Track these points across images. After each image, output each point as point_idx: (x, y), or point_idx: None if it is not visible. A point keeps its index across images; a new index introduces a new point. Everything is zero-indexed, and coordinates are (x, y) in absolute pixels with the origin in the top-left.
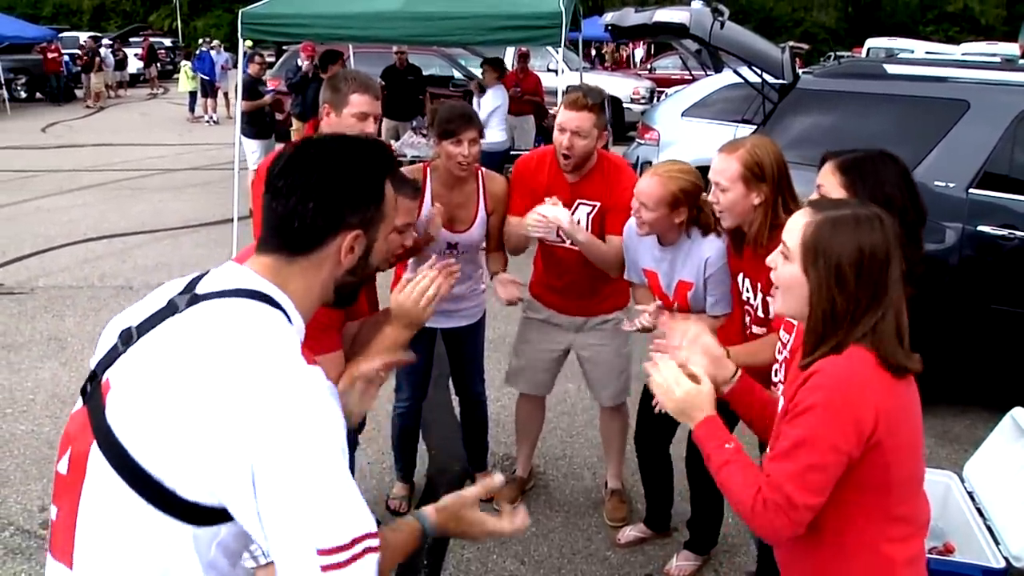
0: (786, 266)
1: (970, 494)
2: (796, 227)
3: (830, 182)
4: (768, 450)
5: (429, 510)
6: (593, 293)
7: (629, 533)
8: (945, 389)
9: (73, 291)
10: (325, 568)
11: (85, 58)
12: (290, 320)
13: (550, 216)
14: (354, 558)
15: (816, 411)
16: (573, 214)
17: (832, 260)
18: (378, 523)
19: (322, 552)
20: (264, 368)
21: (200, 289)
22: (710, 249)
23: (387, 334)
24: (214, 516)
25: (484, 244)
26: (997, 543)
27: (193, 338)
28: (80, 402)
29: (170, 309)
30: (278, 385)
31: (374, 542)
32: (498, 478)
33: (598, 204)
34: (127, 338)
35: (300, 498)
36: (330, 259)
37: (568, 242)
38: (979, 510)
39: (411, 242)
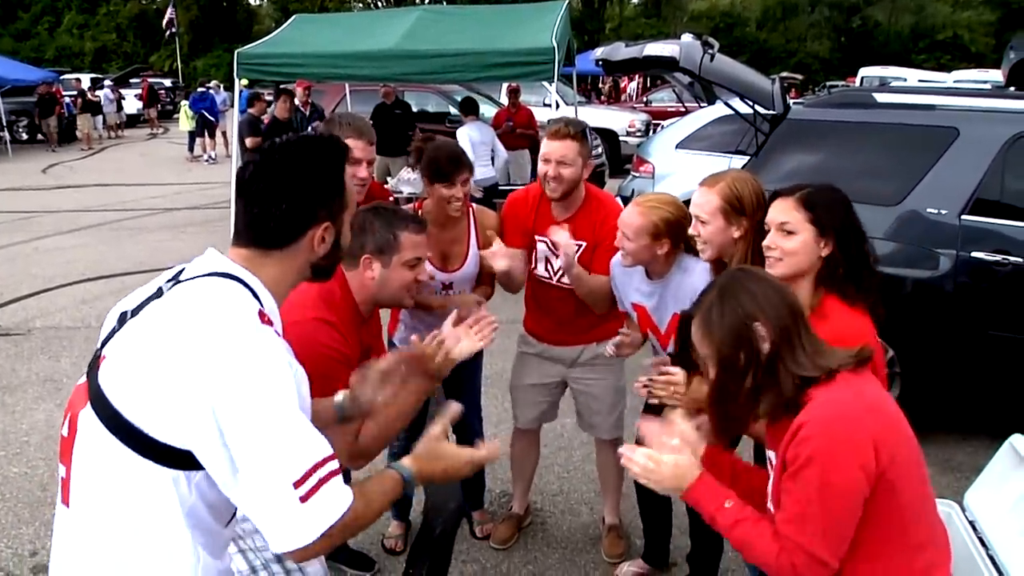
0: None
1: (971, 523)
2: None
3: (795, 218)
4: (773, 506)
5: (405, 459)
6: (586, 326)
7: (627, 569)
8: (946, 417)
9: (70, 332)
10: (303, 499)
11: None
12: (256, 297)
13: (562, 242)
14: (321, 482)
15: (817, 462)
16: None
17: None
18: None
19: (296, 484)
20: (220, 325)
21: (183, 276)
22: (702, 279)
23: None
24: (188, 460)
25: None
26: (1000, 573)
27: (168, 309)
28: (83, 377)
29: (157, 293)
30: (232, 338)
31: (335, 464)
32: (455, 406)
33: (584, 244)
34: (122, 319)
35: (262, 432)
36: (303, 249)
37: (556, 279)
38: (981, 540)
39: (425, 276)
